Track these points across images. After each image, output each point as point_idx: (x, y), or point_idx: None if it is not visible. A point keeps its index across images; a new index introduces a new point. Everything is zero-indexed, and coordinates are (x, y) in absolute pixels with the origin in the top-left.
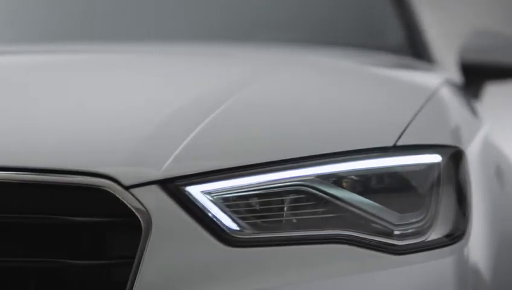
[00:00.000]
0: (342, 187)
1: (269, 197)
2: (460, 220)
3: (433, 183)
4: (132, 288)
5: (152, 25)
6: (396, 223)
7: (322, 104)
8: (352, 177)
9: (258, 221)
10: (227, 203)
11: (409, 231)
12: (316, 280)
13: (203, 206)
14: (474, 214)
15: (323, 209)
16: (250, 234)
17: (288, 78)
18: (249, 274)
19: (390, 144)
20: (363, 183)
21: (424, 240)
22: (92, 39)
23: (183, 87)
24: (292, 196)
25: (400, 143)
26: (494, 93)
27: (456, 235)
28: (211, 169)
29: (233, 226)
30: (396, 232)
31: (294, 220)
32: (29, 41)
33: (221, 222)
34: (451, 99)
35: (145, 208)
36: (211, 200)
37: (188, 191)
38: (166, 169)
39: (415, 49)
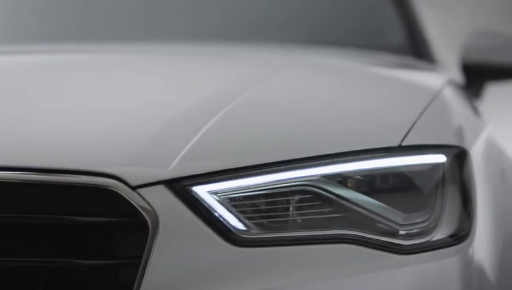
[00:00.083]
0: (348, 187)
1: (275, 197)
2: (465, 220)
3: (437, 184)
4: (139, 288)
5: (152, 25)
6: (402, 223)
7: (327, 104)
8: (358, 177)
9: (264, 221)
10: (234, 203)
11: (414, 231)
12: (322, 280)
13: (209, 206)
14: (479, 214)
15: (329, 209)
16: (256, 234)
17: (293, 79)
18: (255, 274)
19: (395, 144)
20: (369, 183)
21: (429, 240)
22: (92, 39)
23: (189, 88)
24: (298, 196)
25: (404, 143)
26: (495, 93)
27: (461, 235)
28: (217, 169)
29: (240, 226)
30: (401, 232)
31: (301, 220)
32: (31, 42)
33: (227, 221)
34: (454, 100)
35: (152, 208)
36: (218, 200)
37: (194, 191)
38: (173, 169)
39: (416, 49)
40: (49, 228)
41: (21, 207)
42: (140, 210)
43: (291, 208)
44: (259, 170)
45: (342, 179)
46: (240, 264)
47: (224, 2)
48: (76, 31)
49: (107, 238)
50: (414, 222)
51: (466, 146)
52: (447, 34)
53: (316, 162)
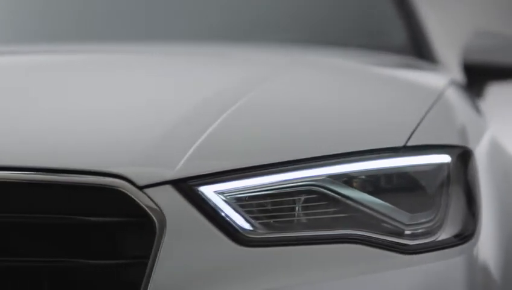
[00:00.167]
0: (353, 187)
1: (281, 197)
2: (470, 220)
3: (442, 184)
4: (147, 288)
5: (152, 25)
6: (407, 223)
7: (333, 105)
8: (364, 177)
9: (271, 221)
10: (240, 203)
11: (419, 230)
12: (329, 280)
13: (216, 206)
14: (483, 214)
15: (335, 209)
16: (263, 233)
17: (298, 79)
18: (261, 274)
19: (400, 144)
20: (374, 183)
21: (434, 240)
22: (92, 39)
23: (193, 88)
24: (304, 196)
25: (410, 143)
26: (496, 93)
27: (466, 235)
28: (224, 169)
29: (247, 226)
30: (407, 232)
31: (307, 220)
32: (32, 42)
33: (234, 221)
34: (458, 100)
35: (159, 208)
36: (224, 200)
37: (201, 191)
38: (180, 169)
39: (418, 49)
40: (55, 228)
41: (28, 207)
42: (148, 210)
43: (297, 208)
44: (266, 170)
45: (347, 179)
46: (247, 264)
47: (224, 2)
48: (76, 31)
49: (113, 238)
50: (419, 222)
51: (470, 146)
52: (446, 34)
53: (321, 162)
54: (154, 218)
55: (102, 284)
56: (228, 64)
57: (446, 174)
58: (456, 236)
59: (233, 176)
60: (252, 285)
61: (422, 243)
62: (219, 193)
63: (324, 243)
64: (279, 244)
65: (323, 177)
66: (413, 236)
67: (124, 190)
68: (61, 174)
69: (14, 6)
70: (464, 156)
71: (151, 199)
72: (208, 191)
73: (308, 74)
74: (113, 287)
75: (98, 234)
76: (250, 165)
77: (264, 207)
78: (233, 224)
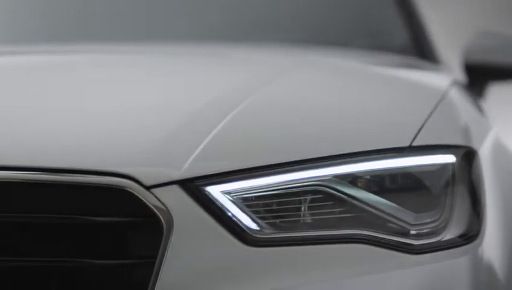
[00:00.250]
0: (359, 187)
1: (288, 197)
2: (475, 220)
3: (447, 184)
4: (154, 288)
5: (153, 26)
6: (413, 223)
7: (338, 105)
8: (369, 177)
9: (277, 221)
10: (247, 203)
11: (425, 230)
12: (334, 279)
13: (223, 206)
14: (488, 214)
15: (341, 209)
16: (269, 233)
17: (303, 79)
18: (268, 274)
19: (405, 144)
20: (380, 183)
21: (439, 240)
22: (92, 40)
23: (199, 88)
24: (310, 196)
25: (415, 143)
26: (497, 93)
27: (471, 235)
28: (230, 169)
29: (253, 225)
30: (412, 232)
31: (313, 220)
32: (33, 42)
33: (241, 221)
34: (461, 100)
35: (166, 208)
36: (231, 200)
37: (207, 191)
38: (187, 169)
39: (419, 49)
40: (62, 228)
41: (35, 207)
42: (155, 210)
43: (303, 208)
44: (272, 170)
45: (353, 179)
46: (253, 264)
47: (224, 2)
48: (76, 31)
49: (120, 238)
50: (424, 221)
51: (474, 146)
52: (445, 34)
53: (327, 162)
54: (161, 218)
55: (110, 284)
56: (232, 65)
57: (451, 174)
58: (461, 236)
59: (239, 176)
60: (258, 285)
61: (428, 243)
62: (225, 193)
63: (330, 243)
64: (286, 244)
65: (329, 177)
66: (418, 236)
67: (131, 190)
68: (68, 174)
69: (14, 7)
70: (468, 156)
71: (158, 199)
72: (215, 191)
73: (312, 74)
74: (121, 287)
75: (104, 234)
76: (257, 165)
77: (270, 207)
78: (240, 224)
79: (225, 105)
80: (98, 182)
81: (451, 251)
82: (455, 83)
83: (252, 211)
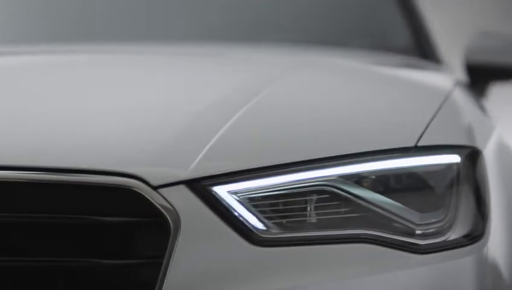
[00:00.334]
0: (365, 187)
1: (294, 197)
2: (479, 220)
3: (452, 184)
4: (161, 287)
5: (153, 26)
6: (418, 223)
7: (343, 105)
8: (375, 177)
9: (283, 221)
10: (253, 203)
11: (430, 230)
12: (341, 279)
13: (229, 205)
14: (493, 214)
15: (347, 209)
16: (276, 233)
17: (308, 79)
18: (275, 273)
19: (411, 144)
20: (385, 183)
21: (444, 240)
22: (93, 40)
23: (204, 89)
24: (316, 196)
25: (420, 143)
26: (498, 93)
27: (476, 235)
28: (237, 169)
29: (260, 225)
30: (418, 232)
31: (319, 220)
32: (35, 42)
33: (248, 221)
34: (465, 101)
35: (173, 208)
36: (237, 200)
37: (214, 191)
38: (193, 169)
39: (421, 49)
40: (69, 228)
41: (42, 207)
42: (162, 210)
43: (309, 208)
44: (278, 170)
45: (359, 179)
46: (260, 264)
47: (224, 3)
48: (76, 31)
49: (127, 238)
50: (430, 221)
51: (478, 146)
52: (445, 34)
53: (333, 162)
54: (168, 218)
55: (117, 284)
56: (236, 65)
57: (456, 174)
58: (465, 236)
59: (246, 176)
60: (265, 284)
61: (433, 243)
62: (232, 193)
63: (336, 243)
64: (292, 244)
65: (334, 177)
66: (423, 236)
67: (138, 190)
68: (75, 174)
69: (14, 7)
70: (472, 156)
71: (166, 199)
72: (222, 191)
73: (317, 75)
74: (128, 287)
75: (112, 234)
76: (263, 165)
77: (276, 207)
78: (247, 224)
79: (231, 105)
80: (105, 182)
81: (456, 250)
82: (458, 83)
83: (258, 211)
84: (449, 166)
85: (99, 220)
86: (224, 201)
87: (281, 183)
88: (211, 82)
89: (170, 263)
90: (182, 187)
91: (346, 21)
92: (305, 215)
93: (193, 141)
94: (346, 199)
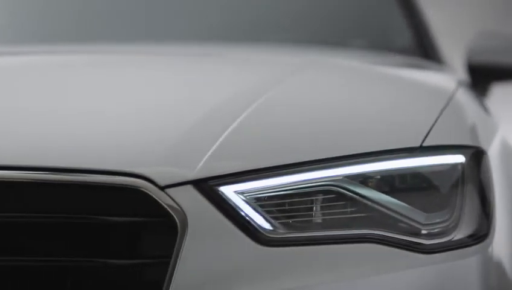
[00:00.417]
0: (371, 187)
1: (300, 197)
2: (484, 220)
3: (457, 184)
4: (169, 287)
5: (153, 26)
6: (424, 223)
7: (349, 105)
8: (381, 177)
9: (290, 221)
10: (260, 203)
11: (435, 230)
12: (347, 279)
13: (236, 205)
14: (497, 214)
15: (353, 209)
16: (282, 233)
17: (314, 79)
18: (281, 273)
19: (416, 144)
20: (391, 183)
21: (449, 240)
22: (93, 40)
23: (211, 88)
24: (322, 196)
25: (425, 144)
26: (499, 93)
27: (481, 235)
28: (243, 169)
29: (267, 225)
30: (423, 232)
31: (325, 220)
32: (38, 43)
33: (254, 221)
34: (469, 101)
35: (181, 208)
36: (244, 200)
37: (221, 191)
38: (200, 169)
39: (423, 49)
40: (76, 228)
41: (51, 207)
42: (169, 210)
43: (315, 208)
44: (284, 170)
45: (365, 179)
46: (267, 264)
47: (223, 3)
48: (77, 32)
49: (134, 238)
50: (435, 221)
51: (483, 146)
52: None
53: (339, 163)
54: (175, 218)
55: (124, 284)
56: (241, 65)
57: (461, 174)
58: (470, 236)
59: (252, 176)
60: (272, 284)
61: (438, 243)
62: (239, 193)
63: (342, 243)
64: (299, 244)
65: (340, 177)
66: (429, 236)
67: (145, 190)
68: (82, 174)
69: (15, 7)
70: (477, 156)
71: (173, 199)
72: (228, 191)
73: (322, 75)
74: (135, 287)
75: (119, 234)
76: (269, 165)
77: (283, 207)
78: (254, 224)
79: (237, 105)
80: (112, 182)
81: (461, 250)
82: (461, 83)
83: (265, 211)
84: (454, 166)
85: (106, 220)
86: (231, 201)
87: (287, 183)
88: (216, 82)
89: (177, 263)
90: (189, 187)
91: (348, 21)
92: (312, 215)
93: (200, 141)
94: (352, 199)
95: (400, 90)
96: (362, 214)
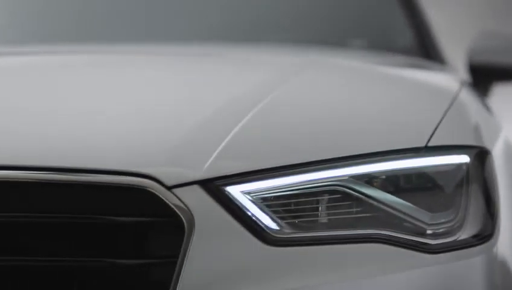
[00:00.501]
0: (376, 187)
1: (306, 197)
2: (489, 220)
3: (462, 184)
4: (176, 287)
5: (155, 26)
6: (429, 223)
7: (355, 105)
8: (386, 177)
9: (296, 221)
10: (266, 203)
11: (441, 230)
12: (353, 279)
13: (243, 205)
14: (502, 214)
15: (358, 209)
16: (289, 233)
17: (319, 79)
18: (288, 273)
19: (421, 144)
20: (396, 183)
21: (454, 240)
22: (93, 40)
23: (215, 89)
24: (328, 196)
25: (430, 144)
26: (501, 93)
27: (485, 235)
28: (250, 170)
29: (273, 225)
30: (429, 232)
31: (331, 220)
32: (42, 43)
33: (261, 221)
34: (472, 101)
35: (187, 208)
36: (251, 200)
37: (228, 191)
38: (207, 169)
39: (425, 49)
40: (84, 228)
41: (58, 207)
42: (176, 210)
43: (321, 208)
44: (290, 170)
45: (370, 179)
46: (273, 264)
47: (223, 3)
48: (77, 32)
49: (141, 238)
50: (440, 221)
51: (487, 146)
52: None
53: (345, 163)
54: (182, 218)
55: (132, 284)
56: (245, 65)
57: (465, 174)
58: (475, 236)
59: (259, 176)
60: (279, 284)
61: (443, 243)
62: (245, 193)
63: (348, 243)
64: (305, 243)
65: (346, 177)
66: (434, 236)
67: (152, 190)
68: (89, 175)
69: (15, 7)
70: (481, 156)
71: (180, 199)
72: (235, 191)
73: (326, 75)
74: (142, 287)
75: (126, 234)
76: (275, 165)
77: (289, 207)
78: (260, 223)
79: (243, 105)
80: (119, 182)
81: (466, 250)
82: (464, 83)
83: (271, 211)
84: (459, 166)
85: (113, 220)
86: (238, 201)
87: (294, 183)
88: (219, 83)
89: (184, 263)
90: (196, 187)
91: (350, 21)
92: (318, 215)
93: (206, 141)
94: (357, 199)
95: (404, 91)
96: (368, 214)
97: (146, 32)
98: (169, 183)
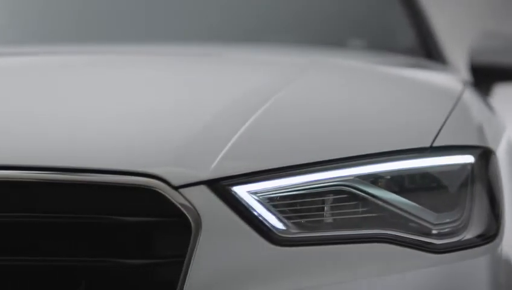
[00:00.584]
0: (382, 187)
1: (312, 197)
2: (493, 220)
3: (467, 184)
4: (183, 287)
5: (155, 27)
6: (434, 223)
7: (360, 105)
8: (392, 177)
9: (302, 221)
10: (273, 203)
11: (446, 230)
12: (359, 279)
13: (249, 205)
14: (506, 214)
15: (364, 209)
16: (295, 233)
17: (324, 80)
18: (294, 273)
19: (427, 144)
20: (402, 183)
21: (459, 240)
22: (93, 40)
23: (220, 89)
24: (334, 196)
25: (435, 144)
26: (502, 94)
27: (490, 235)
28: (256, 170)
29: (280, 225)
30: (434, 232)
31: (337, 220)
32: (43, 43)
33: (267, 221)
34: (476, 101)
35: (194, 208)
36: (257, 200)
37: (234, 191)
38: (214, 169)
39: (427, 50)
40: (90, 228)
41: (65, 207)
42: (183, 210)
43: (327, 208)
44: (297, 171)
45: (376, 179)
46: (280, 263)
47: (224, 3)
48: (77, 32)
49: (148, 238)
50: (445, 221)
51: (491, 146)
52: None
53: (350, 163)
54: (189, 218)
55: (138, 284)
56: (249, 65)
57: (470, 174)
58: (480, 236)
59: (265, 176)
60: (285, 284)
61: (449, 243)
62: (252, 193)
63: (354, 243)
64: (311, 243)
65: (352, 178)
66: (439, 236)
67: (159, 190)
68: (96, 174)
69: (15, 7)
70: (485, 156)
71: (186, 199)
72: (241, 191)
73: (331, 76)
74: (150, 287)
75: (133, 234)
76: (282, 165)
77: (295, 207)
78: (267, 223)
79: (249, 106)
80: (125, 182)
81: (471, 250)
82: (466, 83)
83: (278, 211)
84: (463, 166)
85: (119, 220)
86: (244, 201)
87: (300, 183)
88: (223, 83)
89: (191, 263)
90: (203, 187)
91: (351, 21)
92: (324, 215)
93: (213, 141)
94: (363, 199)
95: (408, 91)
96: (373, 214)
97: (146, 32)
98: (176, 183)
